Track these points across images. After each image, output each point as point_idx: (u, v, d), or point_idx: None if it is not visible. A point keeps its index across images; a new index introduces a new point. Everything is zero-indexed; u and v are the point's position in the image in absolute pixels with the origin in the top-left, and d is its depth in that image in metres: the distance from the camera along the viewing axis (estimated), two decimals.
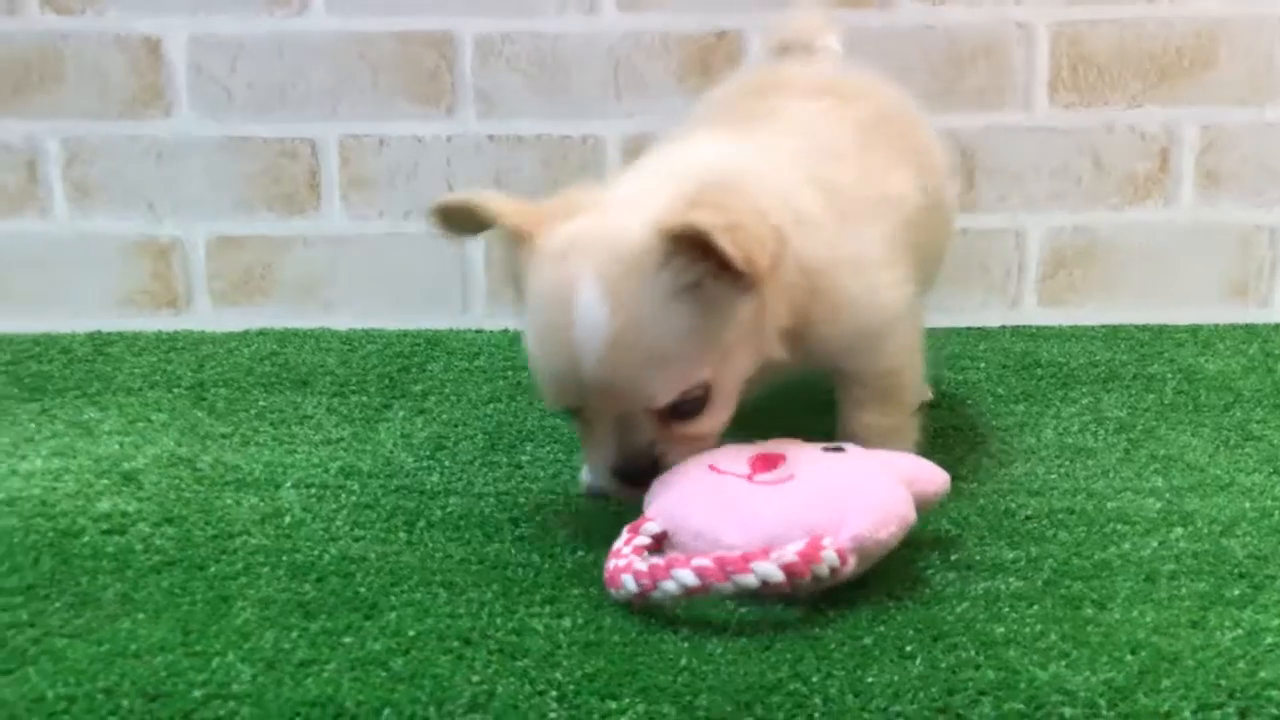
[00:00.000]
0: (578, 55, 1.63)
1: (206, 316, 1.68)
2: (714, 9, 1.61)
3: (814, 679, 0.73)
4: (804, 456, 0.91)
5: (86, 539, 0.96)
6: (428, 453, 1.17)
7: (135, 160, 1.64)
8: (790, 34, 1.27)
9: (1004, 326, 1.66)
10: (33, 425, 1.27)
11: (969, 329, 1.64)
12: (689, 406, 0.91)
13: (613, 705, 0.71)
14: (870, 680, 0.73)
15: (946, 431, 1.24)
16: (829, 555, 0.80)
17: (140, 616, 0.83)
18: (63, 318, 1.66)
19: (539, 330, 0.92)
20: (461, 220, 0.97)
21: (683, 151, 1.05)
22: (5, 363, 1.51)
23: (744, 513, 0.85)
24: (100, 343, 1.59)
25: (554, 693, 0.73)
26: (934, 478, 0.92)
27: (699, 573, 0.80)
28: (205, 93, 1.62)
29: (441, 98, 1.64)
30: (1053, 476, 1.11)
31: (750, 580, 0.79)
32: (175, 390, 1.39)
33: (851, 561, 0.81)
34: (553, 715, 0.70)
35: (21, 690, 0.73)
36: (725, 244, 0.84)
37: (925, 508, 0.90)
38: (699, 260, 0.87)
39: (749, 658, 0.77)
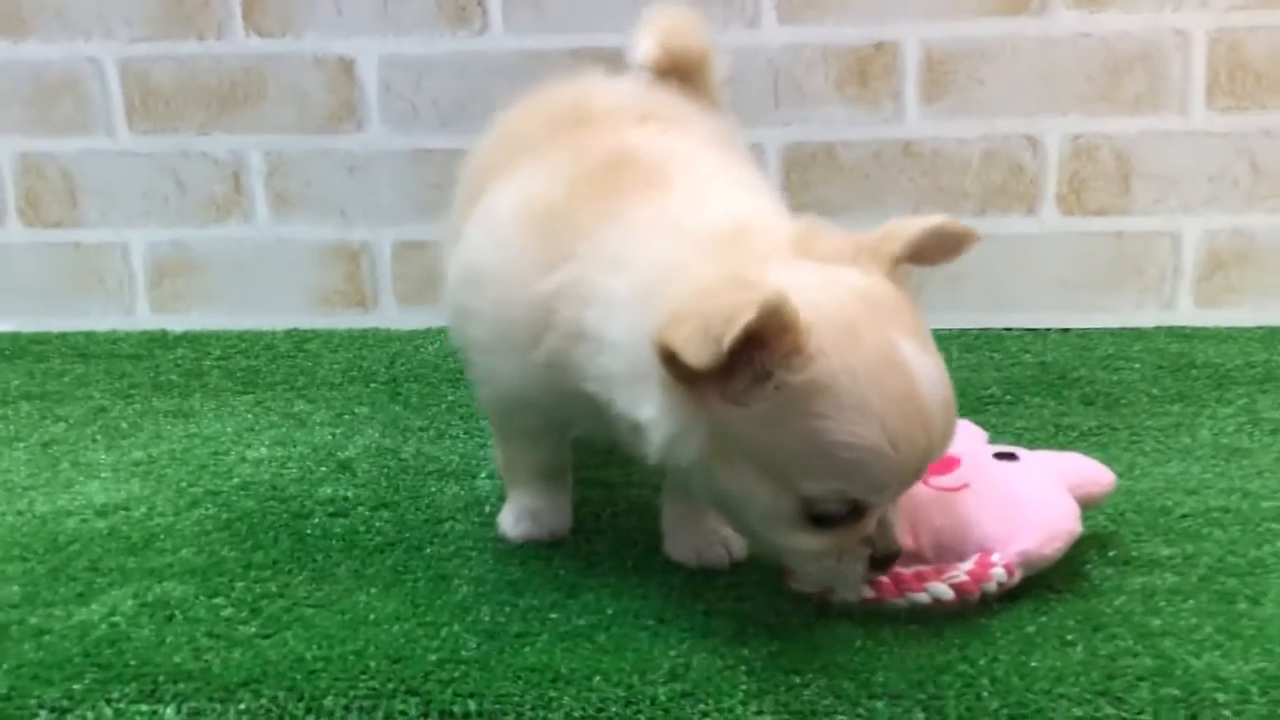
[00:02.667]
0: (739, 67, 1.70)
1: (392, 315, 1.81)
2: (872, 21, 1.67)
3: (981, 662, 0.80)
4: (977, 462, 0.96)
5: (316, 520, 1.08)
6: (606, 447, 1.27)
7: (330, 171, 1.77)
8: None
9: (1159, 327, 1.69)
10: (250, 416, 1.40)
11: (1124, 329, 1.67)
12: None
13: (796, 679, 0.79)
14: (1034, 665, 0.80)
15: (1103, 430, 1.29)
16: (998, 572, 0.87)
17: (373, 590, 0.94)
18: (263, 315, 1.80)
19: (873, 407, 0.76)
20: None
21: (711, 207, 0.88)
22: (216, 357, 1.66)
23: (917, 518, 0.91)
24: (299, 339, 1.73)
25: (743, 667, 0.81)
26: (1100, 478, 0.97)
27: (875, 586, 0.87)
28: (394, 109, 1.75)
29: None
30: (1208, 476, 1.15)
31: (923, 597, 0.86)
32: (372, 385, 1.51)
33: (1018, 575, 0.88)
34: (744, 686, 0.79)
35: (282, 652, 0.84)
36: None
37: (1090, 506, 0.96)
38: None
39: (919, 642, 0.84)
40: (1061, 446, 1.21)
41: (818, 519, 0.80)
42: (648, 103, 1.04)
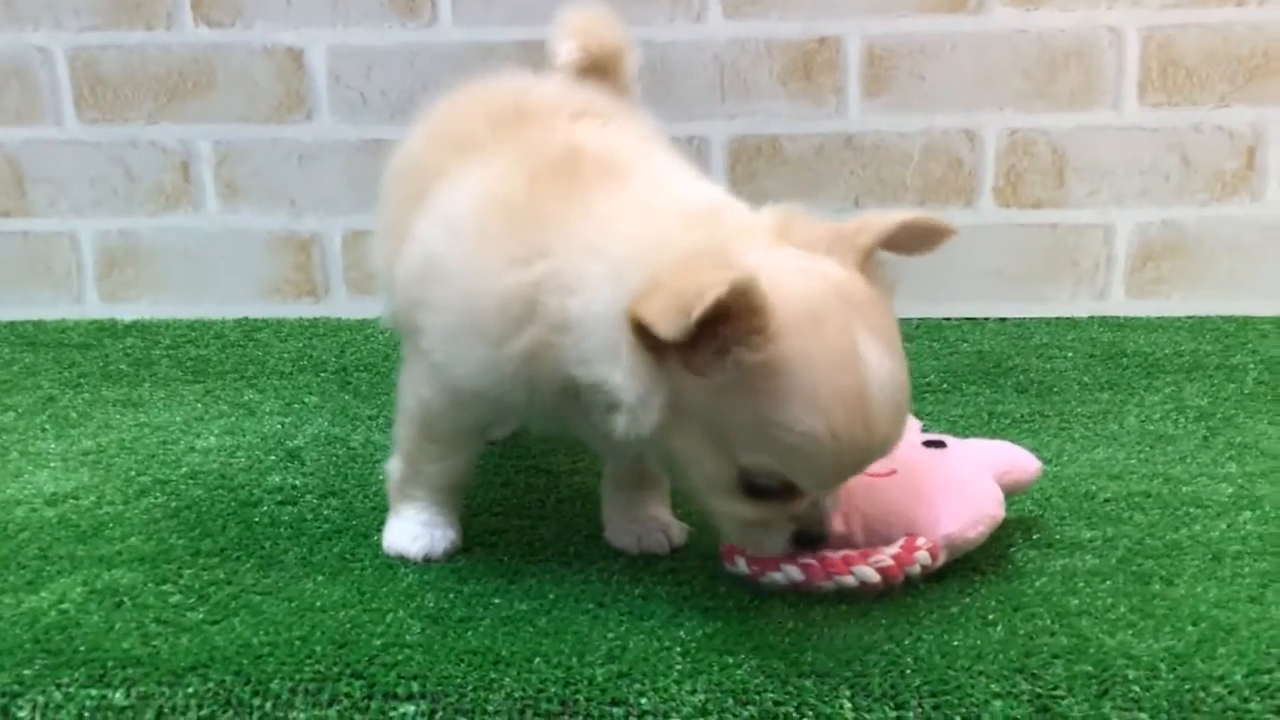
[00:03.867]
0: (685, 60, 1.73)
1: (342, 304, 1.82)
2: (815, 16, 1.70)
3: (905, 641, 0.84)
4: (906, 450, 0.99)
5: (264, 508, 1.10)
6: (551, 436, 1.29)
7: (279, 161, 1.78)
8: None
9: (1092, 317, 1.73)
10: (200, 405, 1.41)
11: (1058, 319, 1.72)
12: None
13: (729, 659, 0.82)
14: (956, 643, 0.83)
15: (1034, 418, 1.33)
16: (922, 555, 0.90)
17: (320, 578, 0.96)
18: (213, 305, 1.81)
19: (825, 399, 0.78)
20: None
21: (676, 191, 0.92)
22: (166, 346, 1.67)
23: (848, 504, 0.94)
24: (249, 329, 1.74)
25: (678, 649, 0.84)
26: (1026, 465, 1.01)
27: (804, 569, 0.90)
28: (343, 99, 1.76)
29: None
30: (1133, 461, 1.19)
31: (849, 581, 0.89)
32: (322, 374, 1.53)
33: (941, 557, 0.92)
34: (678, 666, 0.82)
35: (230, 637, 0.86)
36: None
37: (1017, 491, 1.00)
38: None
39: (848, 622, 0.87)
40: (994, 433, 1.25)
41: (752, 490, 0.83)
42: (580, 100, 1.06)
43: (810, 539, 0.87)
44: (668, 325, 0.75)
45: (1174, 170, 1.71)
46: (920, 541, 0.91)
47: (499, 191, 0.92)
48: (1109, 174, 1.71)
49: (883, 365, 0.80)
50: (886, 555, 0.90)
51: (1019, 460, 1.02)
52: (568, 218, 0.88)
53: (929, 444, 1.02)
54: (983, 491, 0.96)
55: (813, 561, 0.90)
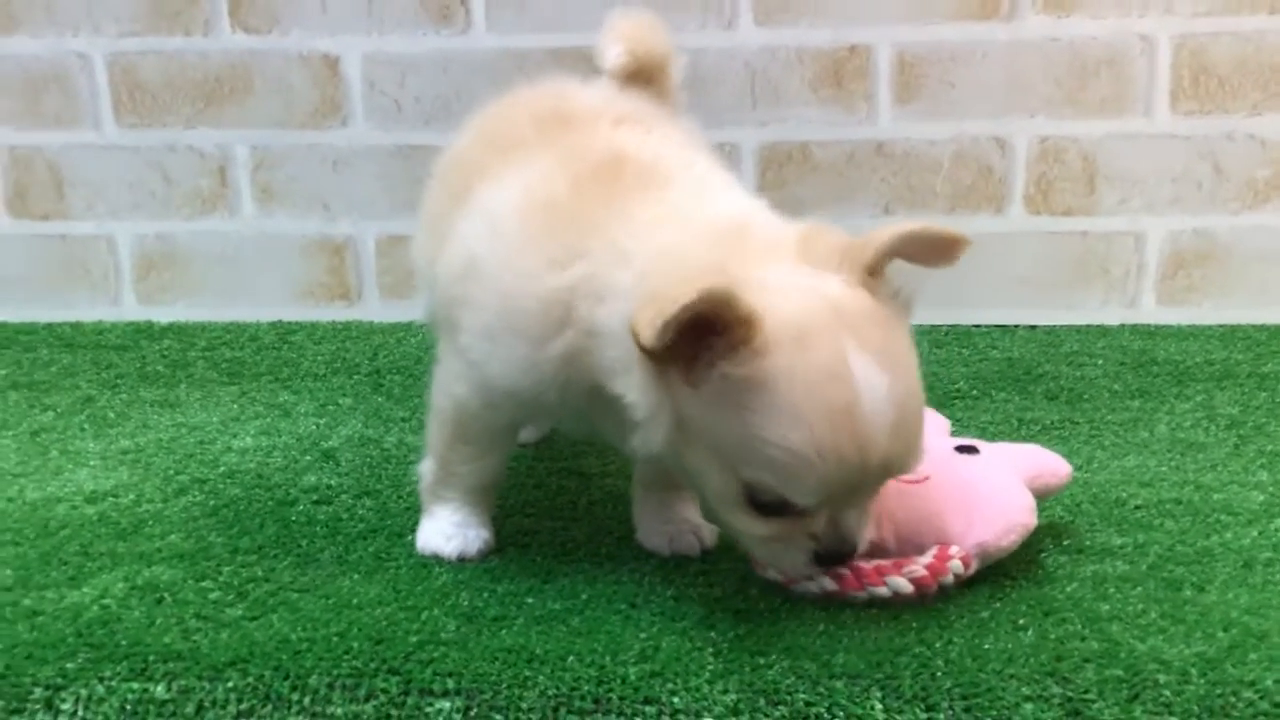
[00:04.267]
0: (716, 68, 1.74)
1: (375, 308, 1.84)
2: (846, 24, 1.71)
3: (936, 644, 0.84)
4: (938, 455, 1.00)
5: (301, 508, 1.11)
6: (585, 439, 1.30)
7: (314, 166, 1.80)
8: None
9: (1123, 325, 1.73)
10: (236, 406, 1.43)
11: (1088, 326, 1.72)
12: None
13: (760, 660, 0.83)
14: (987, 647, 0.84)
15: (1064, 424, 1.33)
16: (954, 565, 0.91)
17: (356, 576, 0.97)
18: (248, 307, 1.83)
19: (813, 414, 0.78)
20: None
21: (712, 205, 0.92)
22: (202, 348, 1.69)
23: (882, 511, 0.95)
24: (283, 331, 1.76)
25: (710, 649, 0.85)
26: (1057, 470, 1.02)
27: (837, 580, 0.90)
28: (377, 105, 1.78)
29: None
30: (1163, 469, 1.19)
31: (883, 591, 0.90)
32: (355, 376, 1.55)
33: (974, 566, 0.92)
34: (710, 666, 0.83)
35: (268, 633, 0.87)
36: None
37: (1047, 496, 1.00)
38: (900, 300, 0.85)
39: (879, 625, 0.88)
40: (1024, 440, 1.24)
41: (760, 506, 0.83)
42: (623, 106, 1.07)
43: (832, 556, 0.87)
44: (648, 334, 0.76)
45: (1205, 178, 1.70)
46: (953, 550, 0.92)
47: (541, 193, 0.93)
48: (1140, 182, 1.71)
49: (876, 381, 0.79)
50: (920, 565, 0.91)
51: (1049, 464, 1.03)
52: (607, 223, 0.89)
53: (960, 449, 1.02)
54: (1016, 499, 0.96)
55: (846, 572, 0.90)
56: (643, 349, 0.78)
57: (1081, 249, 1.74)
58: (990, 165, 1.72)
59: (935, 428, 1.11)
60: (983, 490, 0.97)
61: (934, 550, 0.92)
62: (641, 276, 0.85)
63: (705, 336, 0.78)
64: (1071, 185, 1.72)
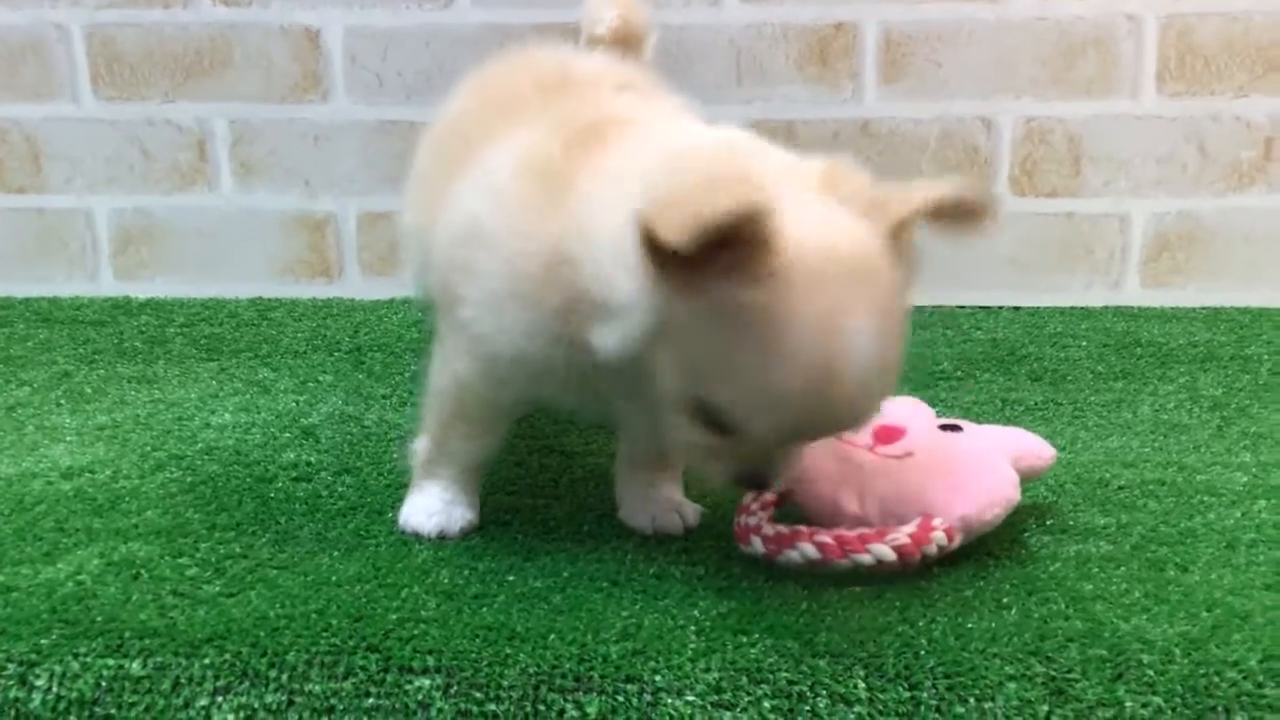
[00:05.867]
0: (702, 44, 1.73)
1: (357, 285, 1.82)
2: (832, 1, 1.70)
3: (920, 623, 0.84)
4: (923, 433, 1.00)
5: (279, 485, 1.10)
6: (565, 417, 1.29)
7: (295, 141, 1.78)
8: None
9: (1106, 307, 1.73)
10: (214, 383, 1.42)
11: (1072, 308, 1.72)
12: None
13: (743, 639, 0.83)
14: (970, 626, 0.83)
15: (1048, 405, 1.33)
16: (938, 536, 0.90)
17: (335, 553, 0.96)
18: (227, 284, 1.82)
19: (798, 356, 0.76)
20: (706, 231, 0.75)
21: (709, 134, 0.93)
22: (180, 324, 1.67)
23: (864, 485, 0.95)
24: (263, 308, 1.74)
25: (693, 627, 0.84)
26: (1041, 452, 1.01)
27: (821, 548, 0.90)
28: (359, 80, 1.76)
29: None
30: (1146, 450, 1.19)
31: (866, 559, 0.90)
32: (336, 354, 1.53)
33: (958, 539, 0.92)
34: (692, 645, 0.82)
35: (246, 610, 0.86)
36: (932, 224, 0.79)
37: (1031, 478, 1.00)
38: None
39: (862, 604, 0.87)
40: (1008, 421, 1.25)
41: (705, 418, 0.81)
42: (624, 73, 1.06)
43: (752, 480, 0.85)
44: (674, 232, 0.71)
45: (1191, 160, 1.70)
46: (936, 522, 0.91)
47: (537, 156, 0.92)
48: (1125, 163, 1.71)
49: (866, 345, 0.76)
50: (903, 534, 0.90)
51: (1033, 447, 1.02)
52: (592, 175, 0.87)
53: (945, 428, 1.02)
54: (999, 474, 0.96)
55: (829, 540, 0.90)
56: (656, 249, 0.74)
57: (1066, 230, 1.74)
58: (976, 145, 1.72)
59: (918, 411, 1.11)
60: (966, 465, 0.96)
61: (917, 520, 0.92)
62: (636, 180, 0.82)
63: (718, 248, 0.73)
64: (1057, 166, 1.72)
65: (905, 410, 1.09)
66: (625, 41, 1.13)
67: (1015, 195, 1.73)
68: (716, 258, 0.73)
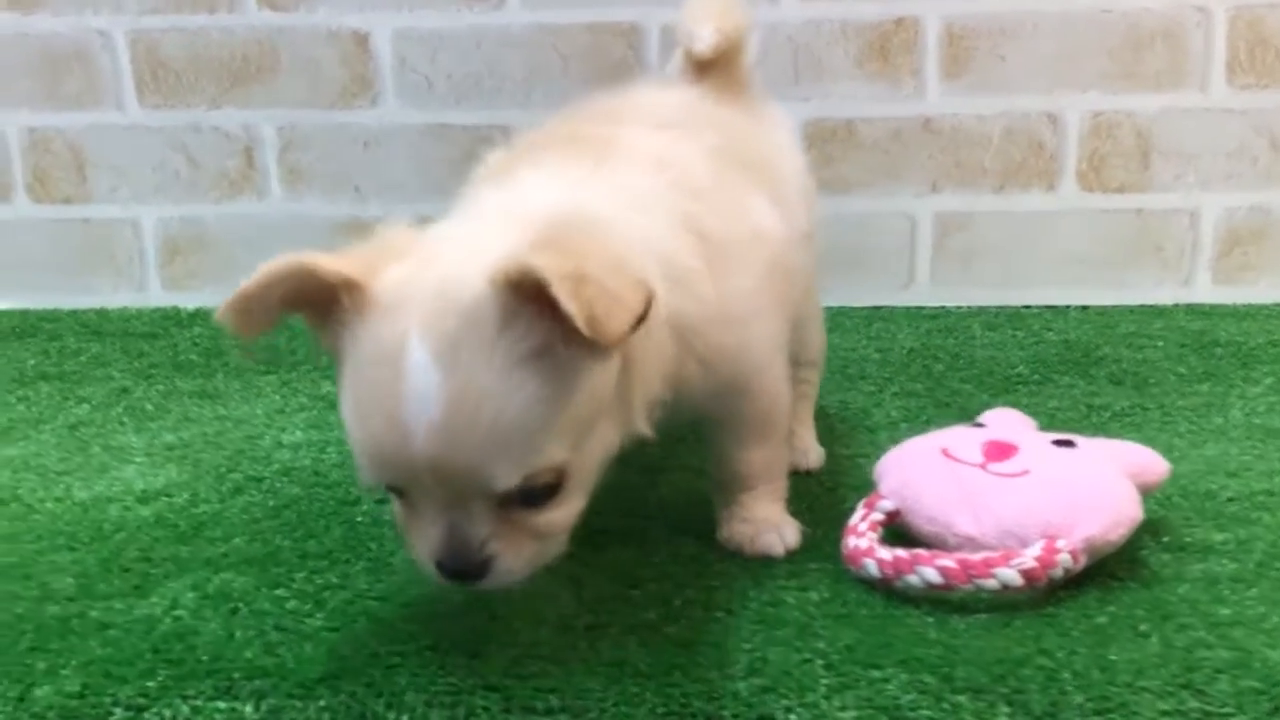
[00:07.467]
0: (758, 42, 1.69)
1: None
2: None
3: (1059, 654, 0.81)
4: (1036, 449, 0.97)
5: (365, 507, 1.07)
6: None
7: (344, 147, 1.75)
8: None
9: (1177, 305, 1.70)
10: (279, 397, 1.39)
11: (1142, 307, 1.69)
12: (537, 494, 0.77)
13: (876, 674, 0.79)
14: (1113, 657, 0.80)
15: (1134, 410, 1.30)
16: (1064, 558, 0.87)
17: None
18: None
19: (360, 394, 0.77)
20: (263, 306, 0.82)
21: (520, 189, 0.90)
22: (233, 336, 1.64)
23: (978, 504, 0.92)
24: None
25: (820, 661, 0.81)
26: (1155, 467, 0.98)
27: (943, 572, 0.87)
28: (408, 83, 1.73)
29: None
30: (1246, 458, 1.16)
31: (991, 584, 0.86)
32: None
33: (1083, 561, 0.88)
34: (824, 680, 0.79)
35: (355, 647, 0.83)
36: (563, 296, 0.69)
37: (1145, 494, 0.97)
38: (548, 318, 0.72)
39: (991, 633, 0.84)
40: (1095, 427, 1.22)
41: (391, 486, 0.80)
42: (682, 114, 1.03)
43: (446, 565, 0.78)
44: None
45: (1262, 153, 1.67)
46: (1061, 544, 0.88)
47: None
48: (1195, 157, 1.68)
49: (427, 375, 0.73)
50: (1029, 557, 0.87)
51: (1148, 462, 0.99)
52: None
53: (1058, 443, 0.99)
54: (1121, 492, 0.92)
55: (952, 564, 0.87)
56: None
57: (1135, 227, 1.70)
58: (1041, 141, 1.68)
59: (1022, 423, 1.08)
60: (1086, 483, 0.93)
61: (1041, 543, 0.89)
62: None
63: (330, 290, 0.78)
64: (1125, 161, 1.68)
65: (1010, 424, 1.06)
66: (726, 54, 1.09)
67: (1082, 191, 1.69)
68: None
